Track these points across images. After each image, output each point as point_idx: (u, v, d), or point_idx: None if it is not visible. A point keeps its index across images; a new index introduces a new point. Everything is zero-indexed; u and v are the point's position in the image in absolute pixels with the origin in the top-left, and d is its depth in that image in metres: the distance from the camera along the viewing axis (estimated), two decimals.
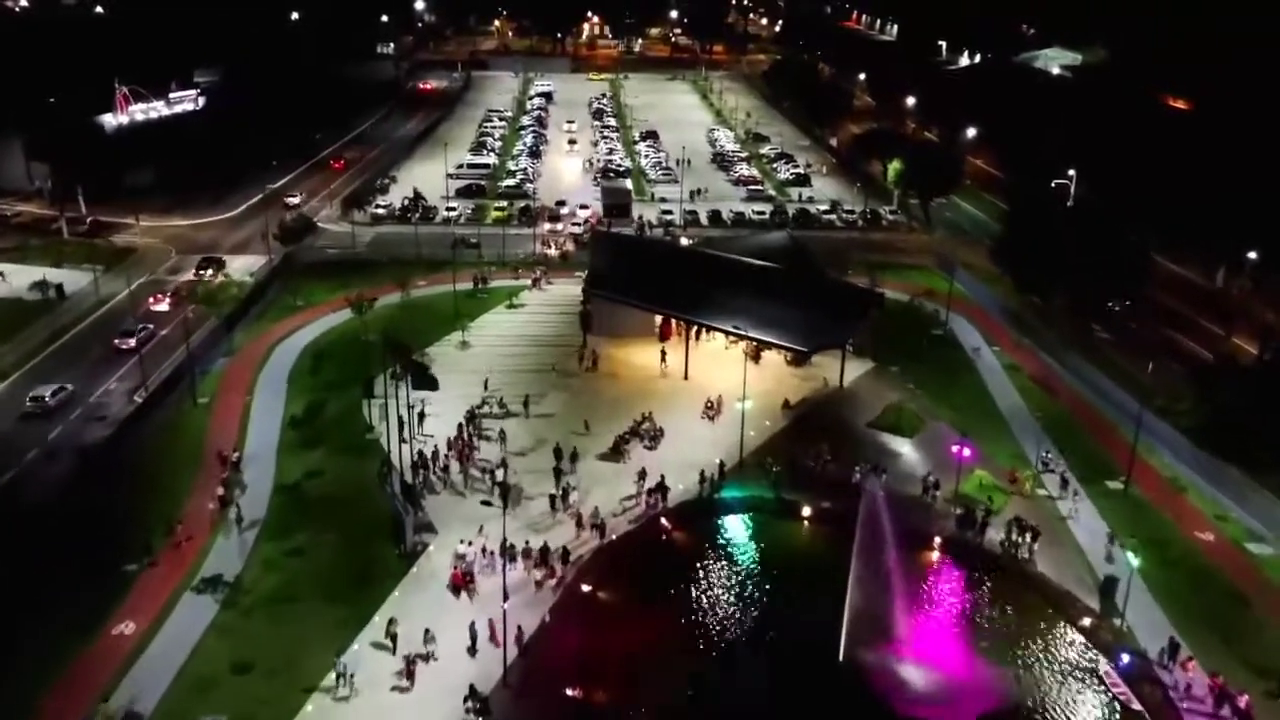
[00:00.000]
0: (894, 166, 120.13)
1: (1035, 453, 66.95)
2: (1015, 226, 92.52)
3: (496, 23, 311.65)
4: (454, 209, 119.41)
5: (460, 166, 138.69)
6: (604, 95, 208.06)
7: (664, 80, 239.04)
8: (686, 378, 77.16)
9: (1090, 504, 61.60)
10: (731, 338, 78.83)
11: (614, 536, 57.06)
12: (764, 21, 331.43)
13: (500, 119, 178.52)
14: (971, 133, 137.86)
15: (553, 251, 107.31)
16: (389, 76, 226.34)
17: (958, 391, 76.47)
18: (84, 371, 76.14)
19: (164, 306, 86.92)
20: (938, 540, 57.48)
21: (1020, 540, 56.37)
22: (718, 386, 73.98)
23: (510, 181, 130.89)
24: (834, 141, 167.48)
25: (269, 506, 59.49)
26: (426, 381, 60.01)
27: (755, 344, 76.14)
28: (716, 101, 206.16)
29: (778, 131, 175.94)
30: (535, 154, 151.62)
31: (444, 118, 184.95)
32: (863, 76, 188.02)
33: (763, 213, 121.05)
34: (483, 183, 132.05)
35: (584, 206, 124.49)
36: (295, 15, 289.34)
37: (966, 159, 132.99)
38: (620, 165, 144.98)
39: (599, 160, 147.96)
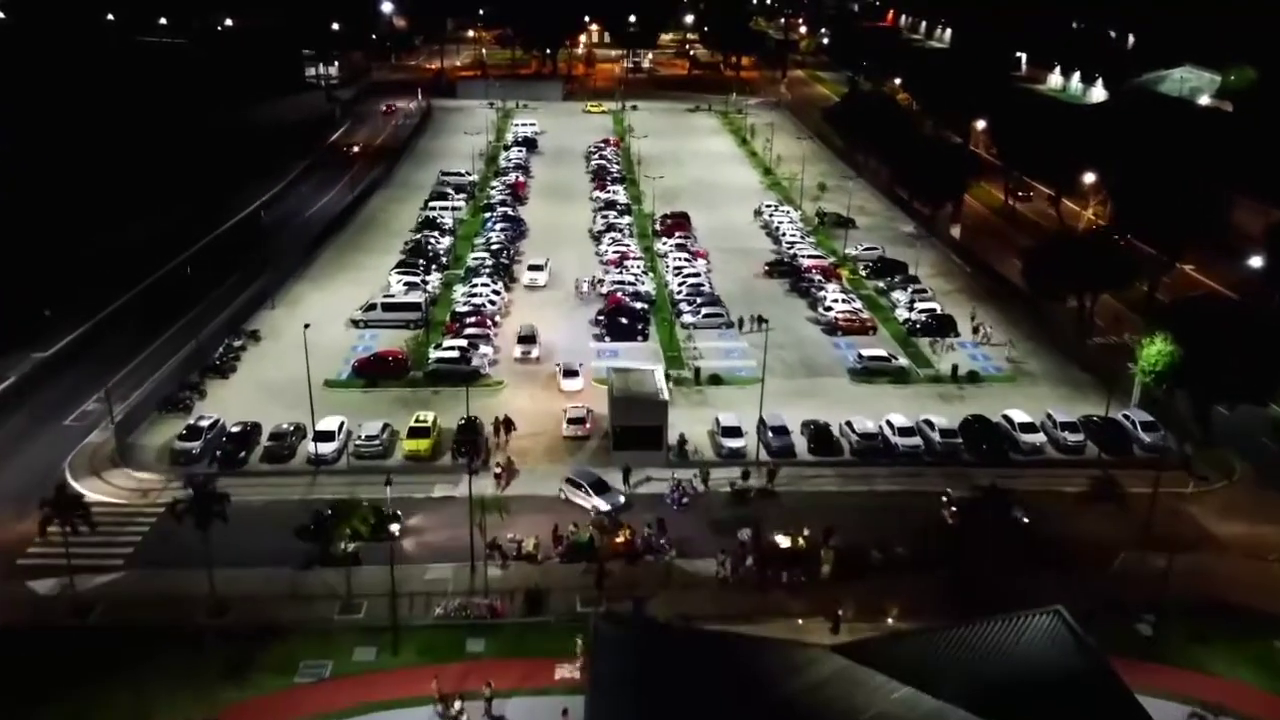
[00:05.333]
0: (1156, 348, 64.24)
1: None
2: None
3: (470, 32, 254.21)
4: (329, 436, 62.91)
5: (371, 307, 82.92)
6: (606, 142, 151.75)
7: (684, 112, 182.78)
8: None
9: None
10: None
11: None
12: (803, 29, 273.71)
13: (459, 190, 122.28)
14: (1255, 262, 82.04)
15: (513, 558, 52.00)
16: (322, 112, 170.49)
17: None
18: None
19: None
20: None
21: None
22: None
23: (448, 350, 74.74)
24: (956, 231, 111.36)
25: None
26: None
27: None
28: (760, 150, 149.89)
29: (860, 204, 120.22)
30: (503, 266, 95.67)
31: (379, 183, 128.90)
32: (981, 124, 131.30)
33: (910, 432, 64.88)
34: (402, 353, 75.76)
35: (572, 373, 70.07)
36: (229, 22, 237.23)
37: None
38: (637, 288, 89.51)
39: (603, 278, 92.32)
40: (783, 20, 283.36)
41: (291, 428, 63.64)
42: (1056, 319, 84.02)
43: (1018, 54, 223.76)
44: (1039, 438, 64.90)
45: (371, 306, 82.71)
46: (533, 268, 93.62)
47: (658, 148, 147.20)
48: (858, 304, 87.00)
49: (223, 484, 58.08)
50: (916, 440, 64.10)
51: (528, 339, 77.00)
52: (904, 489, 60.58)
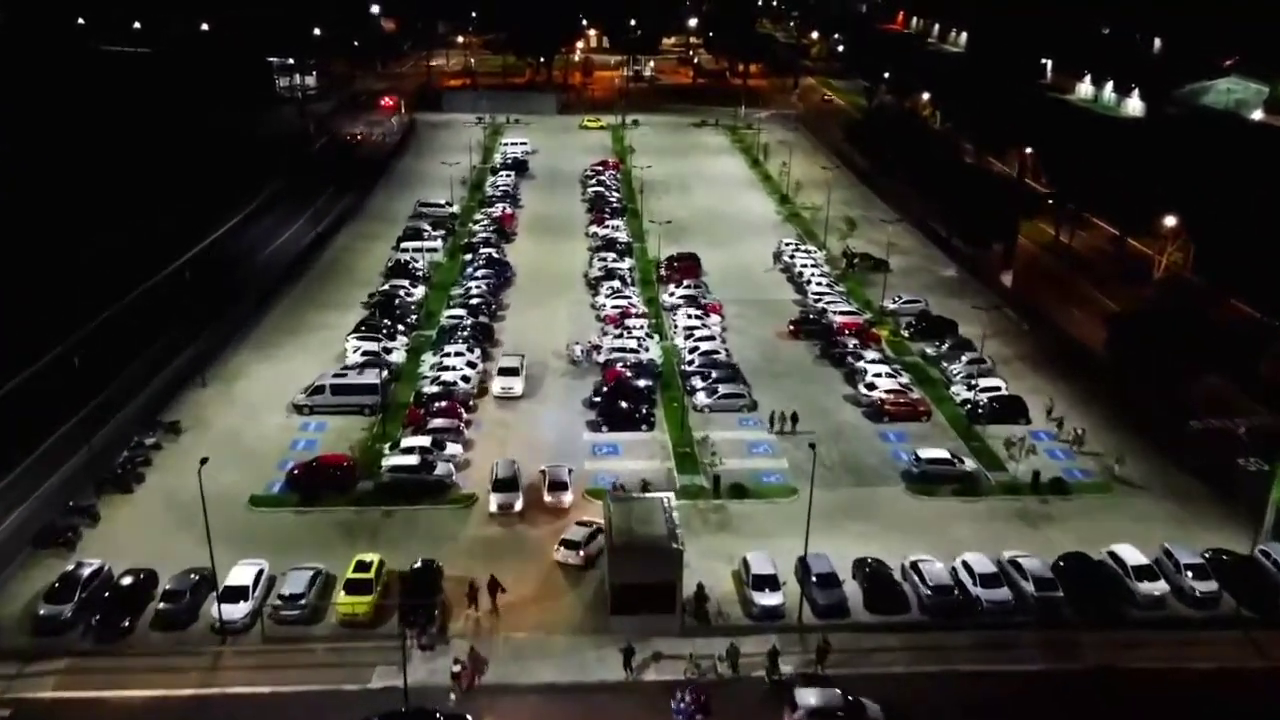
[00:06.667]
0: None
1: None
2: None
3: (460, 38, 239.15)
4: (241, 594, 48.02)
5: (318, 390, 68.27)
6: (604, 164, 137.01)
7: (689, 127, 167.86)
8: None
9: None
10: None
11: None
12: (814, 34, 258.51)
13: (436, 226, 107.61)
14: None
15: None
16: (295, 128, 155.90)
17: None
18: None
19: None
20: None
21: None
22: None
23: (405, 455, 60.15)
24: (1008, 279, 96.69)
25: None
26: None
27: None
28: (775, 173, 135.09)
29: (892, 242, 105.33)
30: (482, 327, 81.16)
31: (349, 215, 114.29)
32: (1030, 149, 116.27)
33: (994, 580, 50.27)
34: (348, 459, 60.96)
35: (560, 485, 56.14)
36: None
37: None
38: (640, 356, 74.97)
39: (599, 343, 77.75)
40: (791, 24, 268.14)
41: (195, 578, 49.01)
42: (1147, 399, 69.45)
43: (1042, 60, 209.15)
44: (1160, 586, 50.33)
45: (318, 389, 68.05)
46: (504, 372, 71.51)
47: (661, 170, 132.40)
48: (905, 379, 72.38)
49: (95, 668, 44.22)
50: (1004, 593, 49.56)
51: (507, 484, 57.31)
52: (994, 669, 46.05)
